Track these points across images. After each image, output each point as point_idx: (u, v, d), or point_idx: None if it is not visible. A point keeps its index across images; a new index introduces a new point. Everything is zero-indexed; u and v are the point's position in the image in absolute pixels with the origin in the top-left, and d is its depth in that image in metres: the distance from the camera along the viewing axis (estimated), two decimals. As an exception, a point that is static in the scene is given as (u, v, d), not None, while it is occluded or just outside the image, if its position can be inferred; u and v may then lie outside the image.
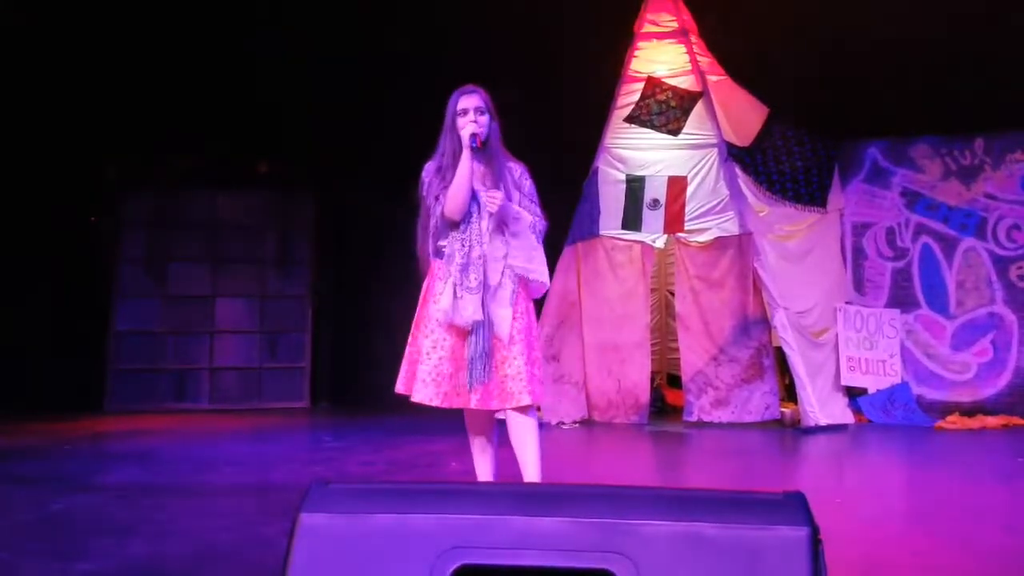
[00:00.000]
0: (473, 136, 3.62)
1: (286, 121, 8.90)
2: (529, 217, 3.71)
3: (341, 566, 1.55)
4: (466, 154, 3.63)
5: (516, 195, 3.77)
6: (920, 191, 8.30)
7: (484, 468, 3.82)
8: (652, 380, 8.06)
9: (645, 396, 7.74)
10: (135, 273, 9.27)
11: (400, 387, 3.73)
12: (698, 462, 6.36)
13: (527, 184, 3.83)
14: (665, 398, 8.45)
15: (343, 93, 8.88)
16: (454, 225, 3.67)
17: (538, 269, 3.71)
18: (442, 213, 3.67)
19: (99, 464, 5.49)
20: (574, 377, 7.76)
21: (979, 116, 7.96)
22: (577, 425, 7.61)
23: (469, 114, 3.69)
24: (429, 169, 3.76)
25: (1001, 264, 8.08)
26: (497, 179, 3.73)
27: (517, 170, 3.83)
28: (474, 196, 3.68)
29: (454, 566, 1.51)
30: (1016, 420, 7.58)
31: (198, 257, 9.36)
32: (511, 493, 1.63)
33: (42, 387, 8.40)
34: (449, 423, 6.94)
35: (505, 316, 3.62)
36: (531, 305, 3.76)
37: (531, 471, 3.73)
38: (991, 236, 8.11)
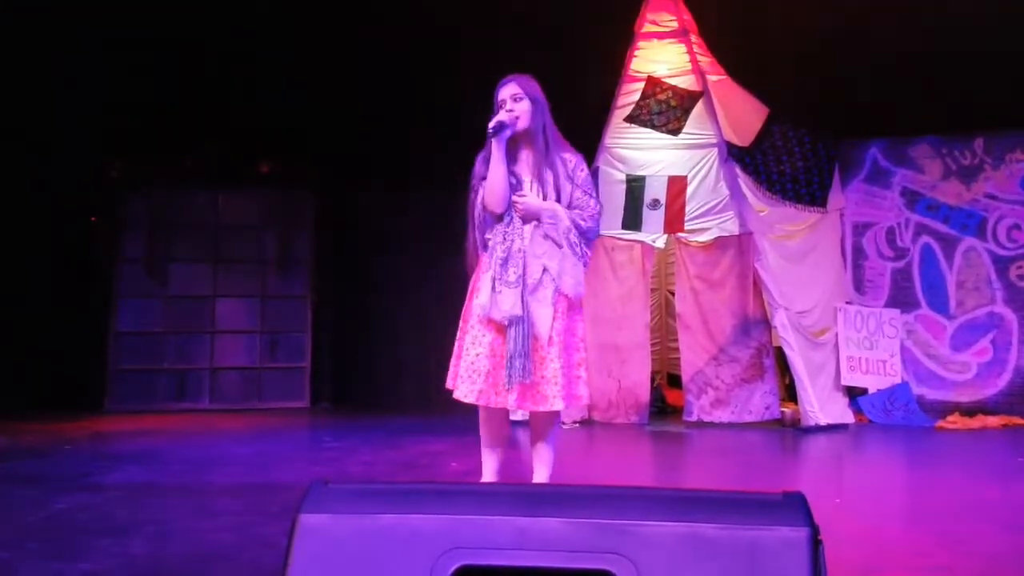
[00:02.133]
0: (499, 124, 3.54)
1: (286, 121, 8.91)
2: (566, 222, 3.59)
3: (341, 566, 1.55)
4: (494, 144, 3.55)
5: (568, 187, 3.65)
6: (920, 191, 8.31)
7: (490, 469, 3.70)
8: (652, 380, 8.06)
9: (645, 396, 7.74)
10: (135, 273, 9.28)
11: (449, 383, 3.66)
12: (698, 462, 6.35)
13: (581, 175, 3.71)
14: (665, 398, 8.45)
15: (343, 93, 8.88)
16: (498, 218, 3.60)
17: (568, 282, 3.59)
18: (483, 205, 3.61)
19: (99, 464, 5.49)
20: (574, 377, 7.74)
21: (979, 116, 7.97)
22: (577, 425, 7.61)
23: (506, 104, 3.62)
24: (480, 158, 3.68)
25: (1001, 264, 8.09)
26: (542, 166, 3.62)
27: (572, 161, 3.71)
28: (511, 189, 3.60)
29: (454, 566, 1.51)
30: (1016, 420, 7.58)
31: (198, 257, 9.37)
32: (511, 493, 1.63)
33: (42, 387, 8.40)
34: (449, 423, 6.95)
35: (545, 316, 3.53)
36: (575, 305, 3.66)
37: (542, 475, 3.70)
38: (991, 236, 8.12)
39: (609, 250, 7.83)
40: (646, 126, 7.85)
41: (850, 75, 8.01)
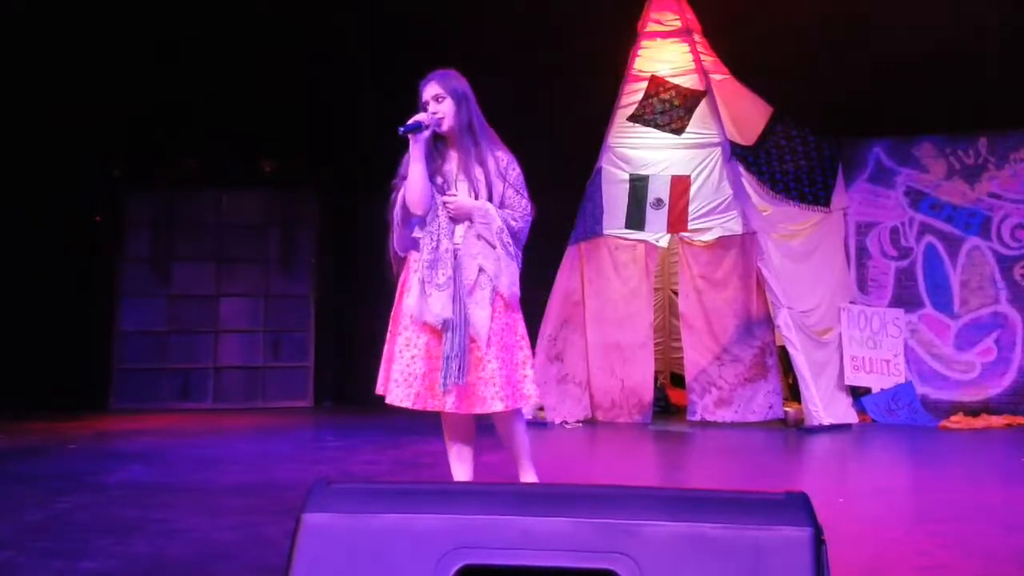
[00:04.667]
0: (415, 124, 3.45)
1: (289, 121, 8.91)
2: (498, 222, 3.50)
3: (344, 566, 1.55)
4: (411, 144, 3.48)
5: (500, 185, 3.56)
6: (924, 190, 8.29)
7: (462, 474, 3.60)
8: (655, 379, 8.05)
9: (648, 396, 7.73)
10: (139, 272, 9.29)
11: (379, 388, 3.59)
12: (701, 462, 6.35)
13: (513, 174, 3.60)
14: (668, 397, 8.44)
15: (345, 92, 8.88)
16: (423, 218, 3.52)
17: (504, 282, 3.50)
18: (403, 204, 3.55)
19: (103, 463, 5.50)
20: (577, 377, 7.75)
21: (983, 115, 7.95)
22: (580, 425, 7.60)
23: (429, 105, 3.54)
24: (404, 159, 3.60)
25: (1005, 263, 8.07)
26: (471, 164, 3.53)
27: (504, 159, 3.61)
28: (439, 189, 3.52)
29: (457, 566, 1.51)
30: (1020, 419, 7.57)
31: (202, 256, 9.38)
32: (514, 493, 1.63)
33: (46, 386, 8.41)
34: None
35: (483, 317, 3.44)
36: (511, 304, 3.55)
37: (525, 470, 3.63)
38: (995, 235, 8.10)
39: (612, 249, 7.83)
40: (649, 125, 7.84)
41: (854, 74, 8.00)
